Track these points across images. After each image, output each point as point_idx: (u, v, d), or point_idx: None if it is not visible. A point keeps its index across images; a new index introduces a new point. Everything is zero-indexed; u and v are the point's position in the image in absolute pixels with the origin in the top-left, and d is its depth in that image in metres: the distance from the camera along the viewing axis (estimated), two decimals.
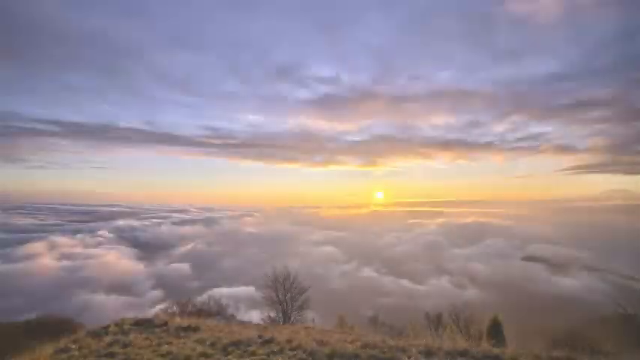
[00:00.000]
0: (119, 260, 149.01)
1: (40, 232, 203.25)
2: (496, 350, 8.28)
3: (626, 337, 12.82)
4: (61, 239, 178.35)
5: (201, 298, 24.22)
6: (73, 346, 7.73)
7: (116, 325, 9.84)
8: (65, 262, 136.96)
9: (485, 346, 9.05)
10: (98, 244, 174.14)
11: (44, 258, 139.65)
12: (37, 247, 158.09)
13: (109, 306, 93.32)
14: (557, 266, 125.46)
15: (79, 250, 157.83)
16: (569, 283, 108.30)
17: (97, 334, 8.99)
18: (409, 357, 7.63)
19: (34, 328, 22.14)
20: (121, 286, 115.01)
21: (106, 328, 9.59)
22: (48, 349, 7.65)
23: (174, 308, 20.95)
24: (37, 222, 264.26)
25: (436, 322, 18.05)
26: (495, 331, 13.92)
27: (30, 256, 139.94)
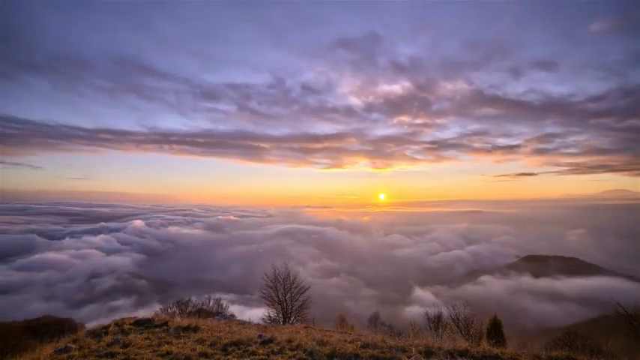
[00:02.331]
0: (120, 260, 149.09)
1: (43, 233, 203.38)
2: (496, 350, 8.29)
3: (626, 337, 12.80)
4: (64, 241, 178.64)
5: (201, 298, 24.16)
6: (73, 346, 7.72)
7: (116, 325, 9.83)
8: (67, 264, 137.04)
9: (486, 346, 9.05)
10: (100, 245, 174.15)
11: (46, 259, 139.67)
12: (39, 248, 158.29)
13: (110, 305, 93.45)
14: (557, 265, 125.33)
15: (81, 250, 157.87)
16: (569, 282, 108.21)
17: (97, 334, 8.98)
18: (409, 357, 7.63)
19: (34, 328, 22.17)
20: (122, 286, 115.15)
21: (106, 328, 9.58)
22: (48, 349, 7.64)
23: (174, 308, 20.92)
24: (38, 223, 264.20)
25: (436, 322, 17.99)
26: (495, 331, 13.90)
27: (32, 258, 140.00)
